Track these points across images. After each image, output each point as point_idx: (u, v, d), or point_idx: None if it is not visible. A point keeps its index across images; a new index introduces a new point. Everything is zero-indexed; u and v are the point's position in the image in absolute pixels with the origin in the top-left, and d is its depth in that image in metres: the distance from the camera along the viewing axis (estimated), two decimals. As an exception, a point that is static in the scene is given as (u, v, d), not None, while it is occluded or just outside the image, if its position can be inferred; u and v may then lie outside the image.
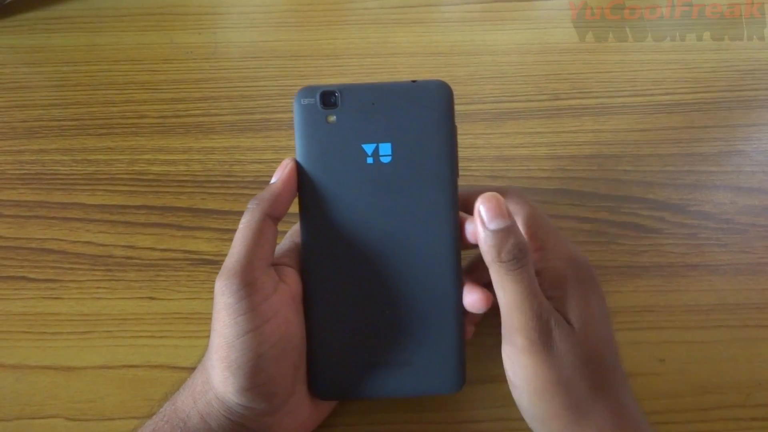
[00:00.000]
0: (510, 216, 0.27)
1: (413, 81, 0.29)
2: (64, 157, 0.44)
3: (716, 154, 0.43)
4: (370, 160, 0.28)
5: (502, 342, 0.28)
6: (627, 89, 0.48)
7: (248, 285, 0.26)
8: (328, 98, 0.28)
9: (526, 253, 0.26)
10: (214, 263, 0.38)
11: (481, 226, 0.27)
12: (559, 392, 0.26)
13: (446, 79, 0.29)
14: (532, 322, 0.26)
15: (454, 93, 0.29)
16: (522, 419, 0.32)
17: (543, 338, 0.26)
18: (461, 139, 0.29)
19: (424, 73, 0.50)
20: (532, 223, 0.29)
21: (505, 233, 0.26)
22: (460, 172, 0.29)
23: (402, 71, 0.49)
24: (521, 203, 0.30)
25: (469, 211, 0.28)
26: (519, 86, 0.48)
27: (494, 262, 0.26)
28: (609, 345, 0.28)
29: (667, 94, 0.48)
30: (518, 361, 0.26)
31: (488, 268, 0.27)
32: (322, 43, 0.52)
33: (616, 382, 0.27)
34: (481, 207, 0.27)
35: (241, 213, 0.28)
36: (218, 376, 0.26)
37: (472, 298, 0.28)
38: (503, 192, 0.29)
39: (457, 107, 0.29)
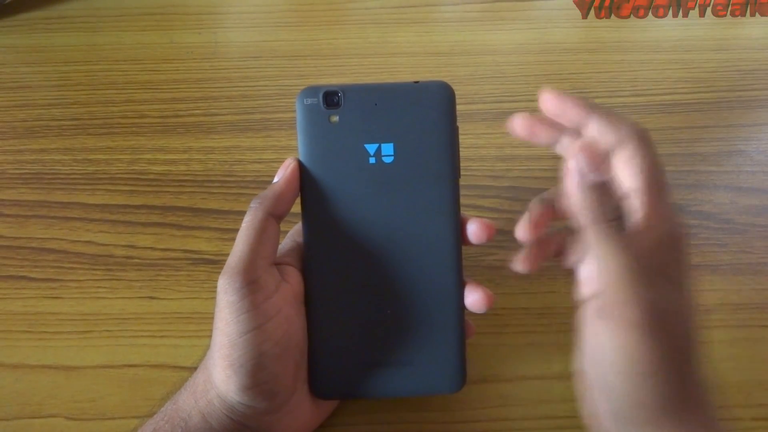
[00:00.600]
0: (608, 169, 0.24)
1: (416, 82, 0.29)
2: (65, 157, 0.44)
3: (716, 154, 0.43)
4: (372, 160, 0.28)
5: (590, 319, 0.24)
6: (627, 89, 0.48)
7: (251, 283, 0.26)
8: (330, 98, 0.28)
9: (622, 213, 0.24)
10: (214, 263, 0.38)
11: (575, 181, 0.24)
12: (673, 375, 0.23)
13: (446, 79, 0.29)
14: (640, 296, 0.23)
15: (455, 93, 0.29)
16: (522, 419, 0.32)
17: (655, 315, 0.23)
18: (462, 139, 0.29)
19: (425, 72, 0.50)
20: (586, 105, 0.26)
21: (603, 191, 0.24)
22: (462, 172, 0.29)
23: (402, 71, 0.49)
24: (637, 151, 0.25)
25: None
26: (519, 86, 0.48)
27: (593, 224, 0.24)
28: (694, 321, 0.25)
29: (667, 94, 0.48)
30: (624, 340, 0.23)
31: (584, 232, 0.24)
32: (322, 43, 0.52)
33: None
34: (576, 158, 0.24)
35: (241, 212, 0.28)
36: (220, 374, 0.26)
37: (474, 298, 0.28)
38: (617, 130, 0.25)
39: (457, 107, 0.29)
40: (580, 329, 0.25)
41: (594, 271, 0.24)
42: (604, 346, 0.24)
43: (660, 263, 0.24)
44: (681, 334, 0.23)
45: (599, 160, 0.24)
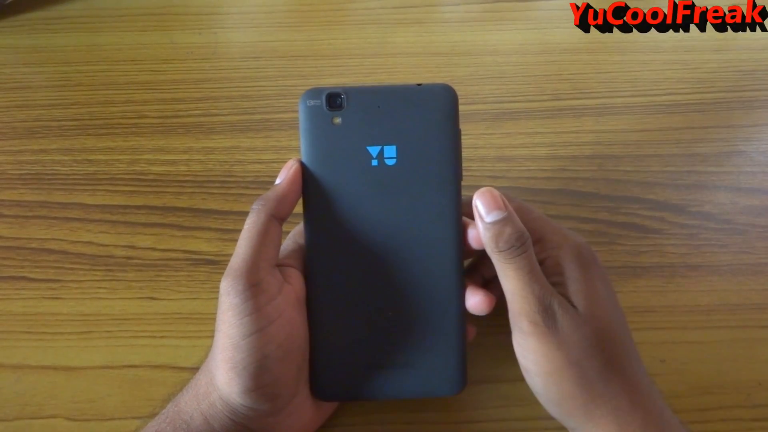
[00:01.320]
0: (506, 207, 0.28)
1: (419, 84, 0.29)
2: (65, 157, 0.44)
3: (717, 155, 0.43)
4: (374, 162, 0.28)
5: (511, 330, 0.28)
6: (627, 89, 0.48)
7: (254, 286, 0.26)
8: (333, 100, 0.28)
9: (525, 241, 0.27)
10: (214, 263, 0.38)
11: (479, 220, 0.28)
12: (570, 373, 0.26)
13: (447, 79, 0.29)
14: (535, 306, 0.26)
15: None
16: (522, 419, 0.32)
17: (547, 321, 0.26)
18: (462, 140, 0.29)
19: (425, 73, 0.50)
20: (525, 216, 0.29)
21: (503, 223, 0.27)
22: (462, 173, 0.29)
23: (402, 71, 0.49)
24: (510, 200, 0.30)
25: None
26: (519, 86, 0.48)
27: (494, 252, 0.27)
28: (618, 324, 0.28)
29: (667, 94, 0.48)
30: (526, 346, 0.27)
31: (492, 261, 0.28)
32: (322, 43, 0.52)
33: (628, 360, 0.27)
34: (477, 202, 0.28)
35: (241, 213, 0.28)
36: (223, 376, 0.26)
37: (475, 301, 0.28)
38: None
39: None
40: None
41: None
42: (519, 353, 0.28)
43: (563, 279, 0.28)
44: (583, 334, 0.26)
45: (499, 200, 0.28)
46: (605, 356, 0.26)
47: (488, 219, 0.27)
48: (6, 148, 0.44)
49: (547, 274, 0.28)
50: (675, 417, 0.27)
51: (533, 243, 0.29)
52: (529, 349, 0.27)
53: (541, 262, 0.28)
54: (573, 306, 0.27)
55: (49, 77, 0.50)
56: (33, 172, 0.43)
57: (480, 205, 0.27)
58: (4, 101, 0.48)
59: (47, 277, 0.38)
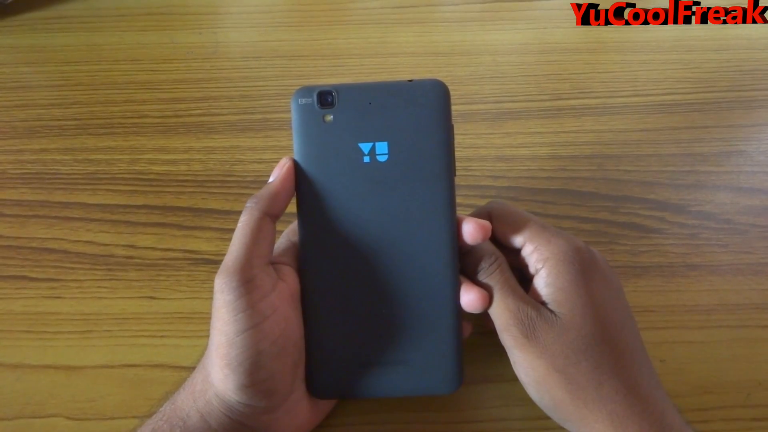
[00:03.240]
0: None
1: (409, 80, 0.29)
2: (65, 157, 0.44)
3: (717, 154, 0.43)
4: (366, 159, 0.28)
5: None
6: (627, 89, 0.48)
7: (247, 282, 0.26)
8: (324, 98, 0.28)
9: (495, 259, 0.29)
10: (214, 263, 0.38)
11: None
12: (558, 380, 0.26)
13: (446, 79, 0.29)
14: (512, 320, 0.27)
15: (455, 93, 0.29)
16: (522, 419, 0.32)
17: (525, 332, 0.27)
18: (462, 139, 0.29)
19: (425, 73, 0.50)
20: (516, 227, 0.30)
21: (473, 251, 0.29)
22: (462, 172, 0.29)
23: (402, 71, 0.49)
24: (504, 210, 0.31)
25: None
26: (519, 86, 0.48)
27: (473, 277, 0.29)
28: (613, 326, 0.28)
29: (667, 94, 0.48)
30: (513, 358, 0.28)
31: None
32: (322, 43, 0.52)
33: (625, 362, 0.27)
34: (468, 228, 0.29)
35: (241, 213, 0.28)
36: (218, 373, 0.26)
37: (469, 298, 0.28)
38: (487, 211, 0.31)
39: (457, 107, 0.29)
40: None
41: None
42: (512, 364, 0.29)
43: (555, 287, 0.28)
44: (566, 341, 0.27)
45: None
46: (594, 361, 0.26)
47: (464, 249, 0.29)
48: (6, 147, 0.44)
49: (541, 284, 0.28)
50: (679, 418, 0.27)
51: (530, 252, 0.29)
52: (516, 361, 0.28)
53: (537, 273, 0.29)
54: (554, 314, 0.27)
55: (49, 77, 0.50)
56: (33, 171, 0.43)
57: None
58: (4, 101, 0.48)
59: (48, 277, 0.38)
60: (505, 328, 0.27)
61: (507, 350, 0.28)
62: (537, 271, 0.29)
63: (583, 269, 0.28)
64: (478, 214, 0.31)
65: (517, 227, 0.30)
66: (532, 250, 0.29)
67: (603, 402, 0.26)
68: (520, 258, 0.30)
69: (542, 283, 0.28)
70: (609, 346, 0.27)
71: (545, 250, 0.29)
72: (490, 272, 0.28)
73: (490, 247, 0.29)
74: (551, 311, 0.27)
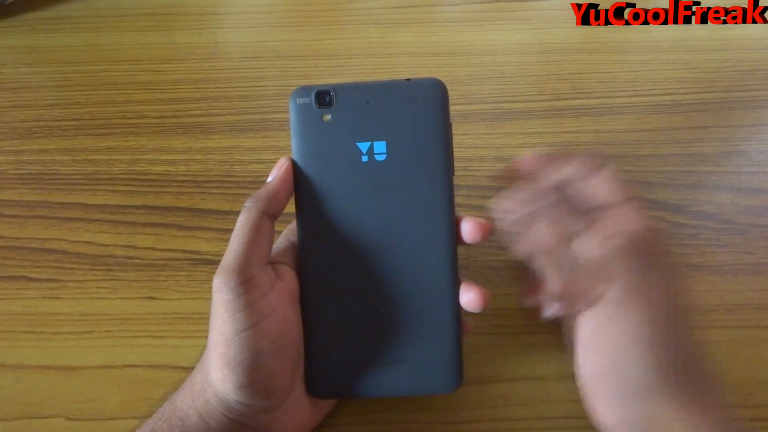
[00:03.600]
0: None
1: (407, 79, 0.29)
2: (65, 157, 0.44)
3: (717, 155, 0.43)
4: (365, 159, 0.28)
5: (608, 307, 0.28)
6: (627, 89, 0.48)
7: (246, 282, 0.26)
8: (323, 97, 0.29)
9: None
10: (214, 263, 0.38)
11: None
12: (671, 346, 0.26)
13: (446, 79, 0.29)
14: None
15: (455, 93, 0.29)
16: (522, 419, 0.32)
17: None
18: (461, 139, 0.29)
19: (424, 73, 0.49)
20: (603, 184, 0.30)
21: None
22: (461, 172, 0.29)
23: (402, 71, 0.49)
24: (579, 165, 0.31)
25: None
26: (519, 86, 0.48)
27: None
28: (676, 321, 0.27)
29: (667, 94, 0.47)
30: (629, 316, 0.27)
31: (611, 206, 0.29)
32: (322, 43, 0.52)
33: (689, 361, 0.27)
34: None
35: (240, 212, 0.28)
36: (217, 373, 0.26)
37: (469, 297, 0.28)
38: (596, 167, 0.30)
39: (457, 107, 0.29)
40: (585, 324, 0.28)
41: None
42: (617, 327, 0.27)
43: (648, 258, 0.28)
44: (673, 315, 0.27)
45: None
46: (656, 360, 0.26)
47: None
48: (6, 148, 0.44)
49: (606, 260, 0.28)
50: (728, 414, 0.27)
51: (592, 223, 0.29)
52: (634, 320, 0.27)
53: (607, 238, 0.28)
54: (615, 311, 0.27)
55: (49, 77, 0.50)
56: (33, 172, 0.43)
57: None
58: (4, 101, 0.48)
59: (47, 277, 0.38)
60: (633, 286, 0.27)
61: (618, 308, 0.27)
62: (610, 237, 0.28)
63: (638, 253, 0.28)
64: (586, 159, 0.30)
65: (601, 181, 0.30)
66: (607, 213, 0.29)
67: (699, 387, 0.26)
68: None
69: (608, 259, 0.28)
70: (671, 346, 0.27)
71: (618, 223, 0.28)
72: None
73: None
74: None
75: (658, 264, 0.28)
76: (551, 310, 0.31)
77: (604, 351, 0.27)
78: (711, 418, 0.25)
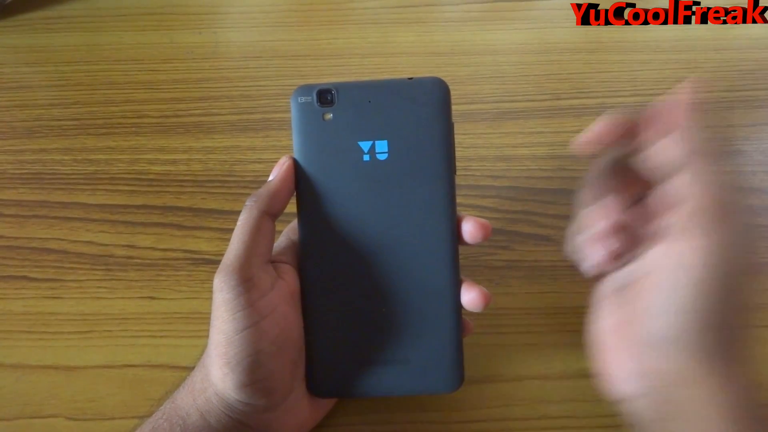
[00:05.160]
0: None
1: (409, 78, 0.29)
2: (65, 157, 0.44)
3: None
4: (366, 158, 0.28)
5: (662, 237, 0.25)
6: (627, 89, 0.48)
7: (246, 281, 0.26)
8: (324, 96, 0.28)
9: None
10: (214, 263, 0.38)
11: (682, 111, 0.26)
12: (733, 286, 0.24)
13: (447, 79, 0.29)
14: (717, 202, 0.24)
15: (455, 93, 0.29)
16: (522, 419, 0.32)
17: (727, 217, 0.24)
18: (461, 139, 0.29)
19: (425, 72, 0.49)
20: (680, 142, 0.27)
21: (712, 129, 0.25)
22: (462, 172, 0.29)
23: (402, 71, 0.49)
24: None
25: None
26: (519, 86, 0.48)
27: (703, 156, 0.25)
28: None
29: (667, 94, 0.47)
30: (692, 244, 0.24)
31: (683, 168, 0.25)
32: (322, 43, 0.52)
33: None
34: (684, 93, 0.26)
35: (241, 211, 0.28)
36: (217, 372, 0.26)
37: (470, 297, 0.28)
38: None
39: (457, 107, 0.29)
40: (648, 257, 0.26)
41: (681, 195, 0.25)
42: (681, 262, 0.24)
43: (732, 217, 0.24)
44: (739, 280, 0.24)
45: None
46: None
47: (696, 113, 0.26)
48: (6, 147, 0.44)
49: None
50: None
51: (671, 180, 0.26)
52: (696, 246, 0.23)
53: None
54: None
55: (49, 77, 0.50)
56: (33, 171, 0.43)
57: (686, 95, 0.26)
58: (4, 101, 0.48)
59: (47, 277, 0.38)
60: (707, 205, 0.24)
61: (684, 238, 0.24)
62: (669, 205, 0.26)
63: (722, 219, 0.24)
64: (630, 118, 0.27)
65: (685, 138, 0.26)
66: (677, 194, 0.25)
67: (737, 347, 0.24)
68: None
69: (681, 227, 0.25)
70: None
71: (687, 193, 0.25)
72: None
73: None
74: None
75: (730, 223, 0.25)
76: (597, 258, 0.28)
77: (634, 301, 0.25)
78: (743, 394, 0.24)
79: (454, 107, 0.29)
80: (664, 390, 0.24)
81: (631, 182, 0.28)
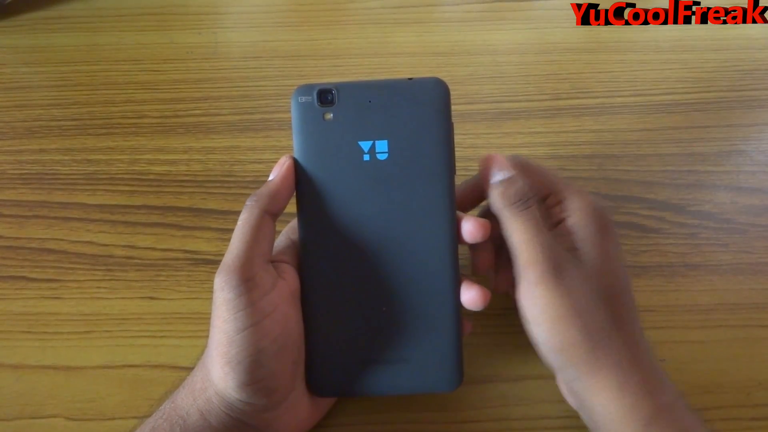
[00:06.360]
0: (511, 168, 0.29)
1: (410, 78, 0.29)
2: (65, 157, 0.44)
3: (716, 154, 0.43)
4: (366, 157, 0.28)
5: (515, 285, 0.28)
6: (627, 89, 0.48)
7: (247, 281, 0.26)
8: (325, 96, 0.28)
9: (531, 197, 0.28)
10: (214, 263, 0.38)
11: (486, 183, 0.29)
12: (576, 319, 0.27)
13: (446, 79, 0.29)
14: (542, 255, 0.27)
15: (455, 93, 0.29)
16: (522, 419, 0.32)
17: (554, 269, 0.27)
18: (461, 139, 0.29)
19: (425, 72, 0.49)
20: (548, 180, 0.31)
21: (509, 181, 0.29)
22: (462, 172, 0.29)
23: (402, 71, 0.49)
24: (530, 168, 0.32)
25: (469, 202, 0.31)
26: (519, 86, 0.48)
27: (503, 209, 0.28)
28: (624, 286, 0.29)
29: (667, 94, 0.48)
30: (533, 294, 0.27)
31: (499, 219, 0.29)
32: (322, 43, 0.52)
33: (630, 321, 0.28)
34: (484, 165, 0.29)
35: (241, 211, 0.28)
36: (218, 371, 0.26)
37: (470, 295, 0.28)
38: (513, 163, 0.30)
39: (457, 107, 0.29)
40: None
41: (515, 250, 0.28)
42: (523, 305, 0.28)
43: (576, 238, 0.29)
44: (590, 286, 0.27)
45: (504, 162, 0.29)
46: (609, 312, 0.27)
47: (496, 178, 0.29)
48: (6, 147, 0.44)
49: (564, 232, 0.29)
50: (667, 377, 0.28)
51: (554, 204, 0.30)
52: (536, 297, 0.27)
53: (560, 221, 0.29)
54: (581, 261, 0.28)
55: (49, 77, 0.50)
56: (33, 171, 0.43)
57: (487, 167, 0.29)
58: (4, 101, 0.48)
59: (47, 277, 0.38)
60: (533, 262, 0.27)
61: (527, 287, 0.27)
62: (561, 220, 0.29)
63: (604, 226, 0.29)
64: (502, 163, 0.30)
65: (545, 178, 0.31)
66: (557, 201, 0.30)
67: (612, 350, 0.27)
68: (541, 208, 0.30)
69: (567, 231, 0.29)
70: (620, 302, 0.28)
71: (573, 202, 0.30)
72: (527, 206, 0.28)
73: (527, 184, 0.29)
74: (579, 258, 0.28)
75: (613, 237, 0.30)
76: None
77: (563, 298, 0.27)
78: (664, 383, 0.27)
79: (454, 107, 0.29)
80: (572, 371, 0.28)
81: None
